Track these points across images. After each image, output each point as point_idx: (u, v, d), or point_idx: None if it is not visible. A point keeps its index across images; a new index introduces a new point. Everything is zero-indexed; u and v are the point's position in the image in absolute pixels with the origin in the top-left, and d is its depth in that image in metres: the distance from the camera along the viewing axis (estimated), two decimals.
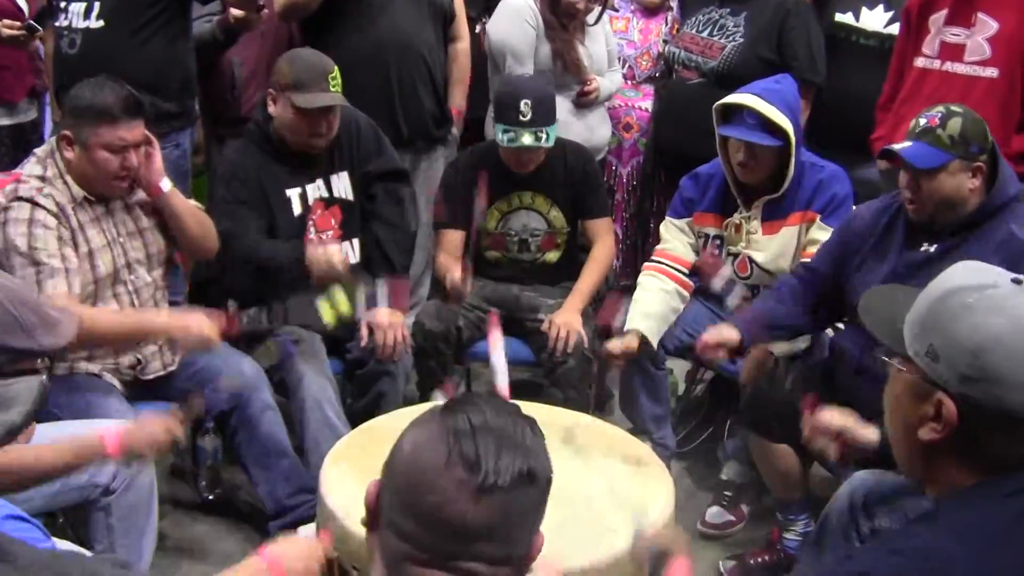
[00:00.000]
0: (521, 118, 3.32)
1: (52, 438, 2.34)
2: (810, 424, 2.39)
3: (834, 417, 2.35)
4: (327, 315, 3.08)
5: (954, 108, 2.65)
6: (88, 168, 2.80)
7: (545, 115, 3.37)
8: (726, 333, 2.95)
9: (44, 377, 1.52)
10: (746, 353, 3.20)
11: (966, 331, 1.36)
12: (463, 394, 1.34)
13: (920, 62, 3.53)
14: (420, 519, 1.23)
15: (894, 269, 2.74)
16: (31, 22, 3.38)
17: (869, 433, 2.29)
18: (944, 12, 3.46)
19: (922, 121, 2.65)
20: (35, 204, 2.73)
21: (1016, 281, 1.40)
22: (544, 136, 3.36)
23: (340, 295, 3.08)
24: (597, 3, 3.95)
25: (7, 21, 3.38)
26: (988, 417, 1.36)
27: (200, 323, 2.81)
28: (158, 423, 2.42)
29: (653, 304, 3.33)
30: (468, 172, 3.44)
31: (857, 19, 3.93)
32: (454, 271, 3.41)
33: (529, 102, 3.32)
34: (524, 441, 1.27)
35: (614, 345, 3.21)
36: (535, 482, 1.26)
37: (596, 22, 4.04)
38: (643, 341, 3.25)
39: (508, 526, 1.24)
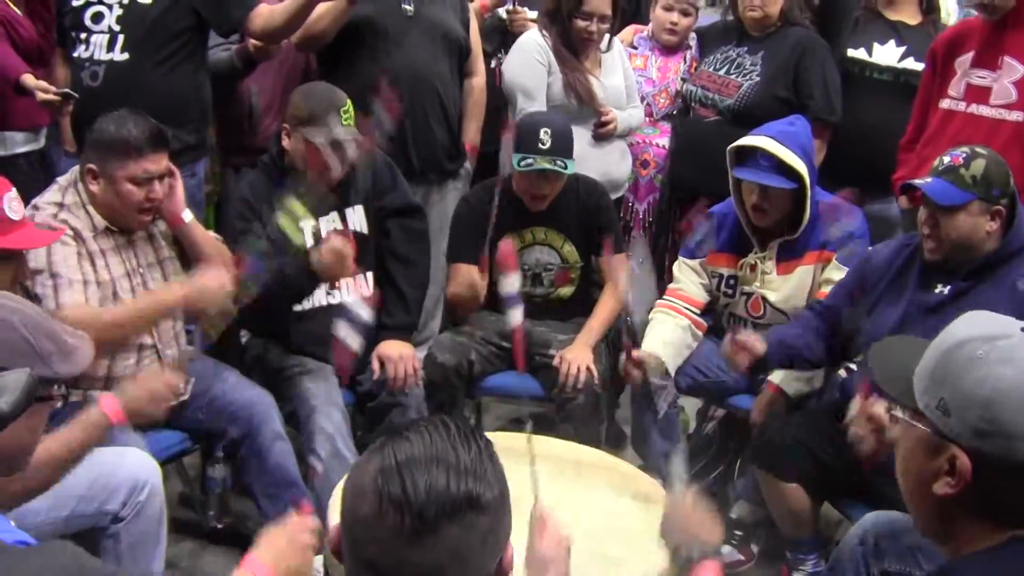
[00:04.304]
0: (541, 146, 3.34)
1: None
2: (861, 408, 2.33)
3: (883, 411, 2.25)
4: (289, 228, 3.07)
5: (979, 150, 2.67)
6: (114, 200, 2.83)
7: (564, 147, 3.38)
8: (755, 342, 2.93)
9: (30, 370, 1.51)
10: (758, 388, 3.20)
11: (976, 384, 1.34)
12: (408, 422, 1.31)
13: (945, 104, 3.52)
14: (370, 568, 1.21)
15: (907, 310, 2.74)
16: (68, 90, 3.39)
17: None
18: (971, 55, 3.46)
19: (946, 159, 2.68)
20: (51, 228, 2.75)
21: None
22: (562, 164, 3.37)
23: (297, 206, 3.07)
24: (606, 26, 3.93)
25: (43, 84, 3.39)
26: (1003, 470, 1.33)
27: (218, 278, 2.81)
28: (154, 378, 2.42)
29: (668, 334, 3.33)
30: (481, 206, 3.45)
31: (870, 54, 3.93)
32: (474, 275, 3.43)
33: (549, 131, 3.35)
34: (463, 464, 1.21)
35: (637, 353, 3.20)
36: (479, 507, 1.20)
37: (608, 48, 4.03)
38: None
39: (460, 560, 1.20)
